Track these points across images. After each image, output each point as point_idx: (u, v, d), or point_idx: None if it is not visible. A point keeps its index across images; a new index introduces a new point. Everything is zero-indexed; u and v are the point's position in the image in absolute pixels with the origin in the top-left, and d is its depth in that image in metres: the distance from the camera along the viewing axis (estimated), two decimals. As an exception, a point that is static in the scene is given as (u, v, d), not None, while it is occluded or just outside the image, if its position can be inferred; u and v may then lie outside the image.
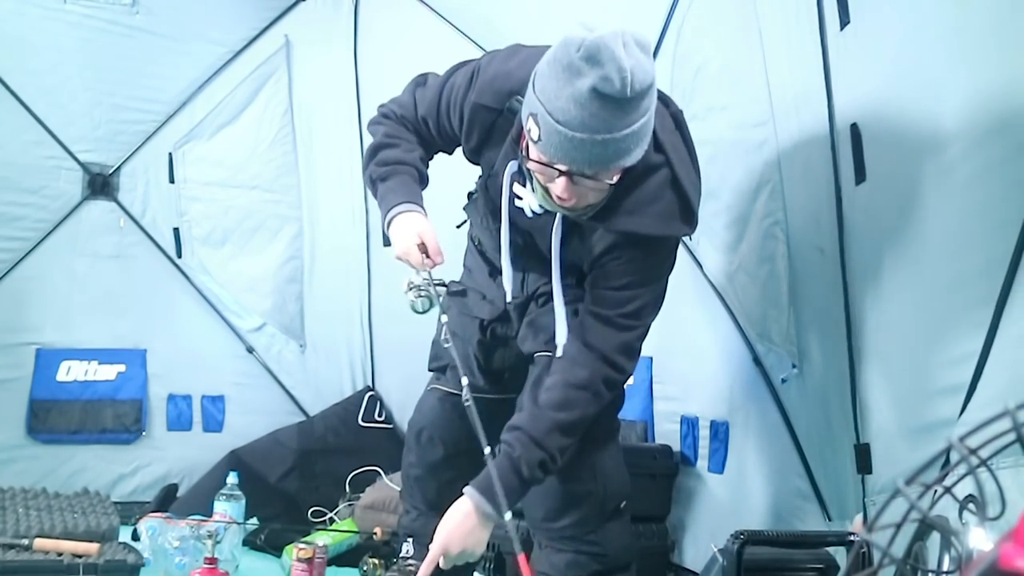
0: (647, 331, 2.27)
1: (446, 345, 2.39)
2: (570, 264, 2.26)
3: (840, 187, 2.46)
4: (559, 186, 1.98)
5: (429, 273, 2.28)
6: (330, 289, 4.45)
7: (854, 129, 2.38)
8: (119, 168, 4.16)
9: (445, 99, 2.30)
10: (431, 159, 2.44)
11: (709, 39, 2.93)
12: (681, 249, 3.14)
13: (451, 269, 2.53)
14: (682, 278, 3.18)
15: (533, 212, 2.24)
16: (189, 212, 4.27)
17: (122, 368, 4.16)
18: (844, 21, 2.38)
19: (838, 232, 2.47)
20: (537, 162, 1.97)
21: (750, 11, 2.72)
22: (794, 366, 2.73)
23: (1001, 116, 1.96)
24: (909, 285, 2.25)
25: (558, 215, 2.16)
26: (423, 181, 2.40)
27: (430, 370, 2.74)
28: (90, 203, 4.13)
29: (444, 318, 2.32)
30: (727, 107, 2.87)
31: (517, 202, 2.26)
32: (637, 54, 1.87)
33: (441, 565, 2.19)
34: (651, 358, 3.35)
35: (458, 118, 2.27)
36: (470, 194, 2.54)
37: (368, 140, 2.46)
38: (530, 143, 1.97)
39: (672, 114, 2.20)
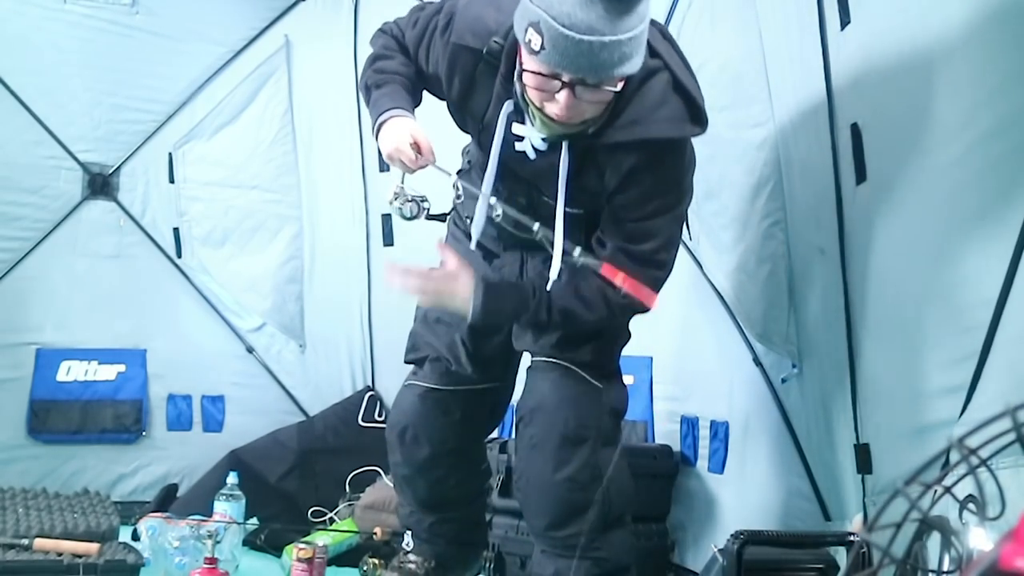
0: (670, 271, 2.26)
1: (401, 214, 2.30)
2: (581, 196, 2.18)
3: (840, 187, 2.46)
4: (560, 102, 1.95)
5: (403, 181, 2.28)
6: (330, 289, 4.45)
7: (854, 129, 2.38)
8: (119, 168, 4.17)
9: (428, 38, 2.27)
10: (421, 88, 2.37)
11: (709, 39, 2.93)
12: (681, 249, 3.16)
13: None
14: (682, 278, 3.18)
15: (536, 151, 2.15)
16: (189, 212, 4.27)
17: (122, 368, 4.16)
18: (844, 21, 2.38)
19: (838, 232, 2.47)
20: (538, 74, 1.94)
21: (750, 11, 2.72)
22: (794, 366, 2.73)
23: (1001, 116, 1.96)
24: (909, 285, 2.25)
25: (564, 150, 2.10)
26: (416, 94, 2.35)
27: (407, 362, 2.68)
28: (90, 203, 4.13)
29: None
30: (727, 107, 2.87)
31: (518, 145, 2.16)
32: None
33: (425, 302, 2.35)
34: (651, 358, 3.35)
35: (435, 62, 2.24)
36: (459, 172, 2.43)
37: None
38: (528, 57, 1.94)
39: (658, 28, 2.16)
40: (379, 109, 2.26)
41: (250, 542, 3.48)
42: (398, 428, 2.67)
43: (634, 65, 1.95)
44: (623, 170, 2.12)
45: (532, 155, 2.16)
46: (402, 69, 2.32)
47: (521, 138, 2.16)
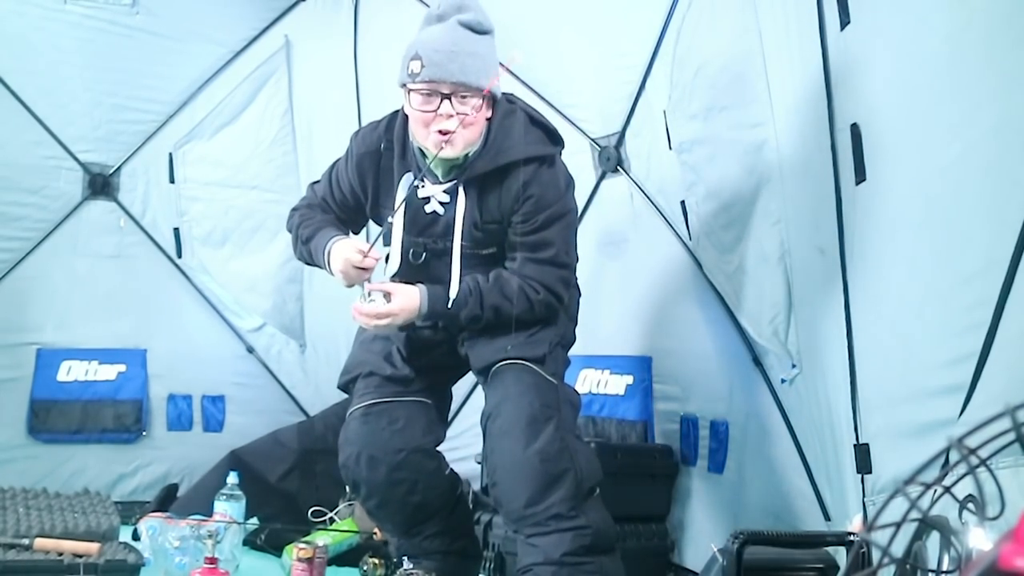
0: (573, 272, 2.66)
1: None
2: (487, 235, 2.58)
3: (840, 187, 2.46)
4: (440, 117, 2.43)
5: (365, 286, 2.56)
6: (330, 289, 4.42)
7: (854, 129, 2.38)
8: (119, 168, 4.17)
9: (335, 177, 2.73)
10: (348, 221, 2.77)
11: (709, 39, 2.93)
12: (681, 249, 3.17)
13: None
14: (682, 278, 3.19)
15: (442, 204, 2.57)
16: (189, 212, 4.27)
17: (122, 368, 4.16)
18: (844, 21, 2.38)
19: (838, 232, 2.47)
20: (422, 93, 2.44)
21: (750, 11, 2.72)
22: (794, 366, 2.73)
23: (1001, 116, 1.96)
24: (909, 285, 2.25)
25: (460, 191, 2.53)
26: (347, 225, 2.76)
27: (340, 387, 2.88)
28: (90, 203, 4.14)
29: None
30: (727, 107, 2.87)
31: (427, 207, 2.57)
32: (481, 7, 2.52)
33: (374, 321, 2.53)
34: (651, 358, 3.35)
35: (349, 181, 2.67)
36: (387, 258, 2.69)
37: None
38: (413, 86, 2.45)
39: (508, 98, 2.64)
40: (319, 249, 2.63)
41: (250, 542, 3.48)
42: (352, 457, 2.72)
43: (487, 77, 2.46)
44: (512, 192, 2.52)
45: (441, 210, 2.57)
46: (324, 219, 2.72)
47: (428, 200, 2.57)
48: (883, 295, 2.35)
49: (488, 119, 2.52)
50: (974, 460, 0.94)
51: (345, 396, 4.34)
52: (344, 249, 2.55)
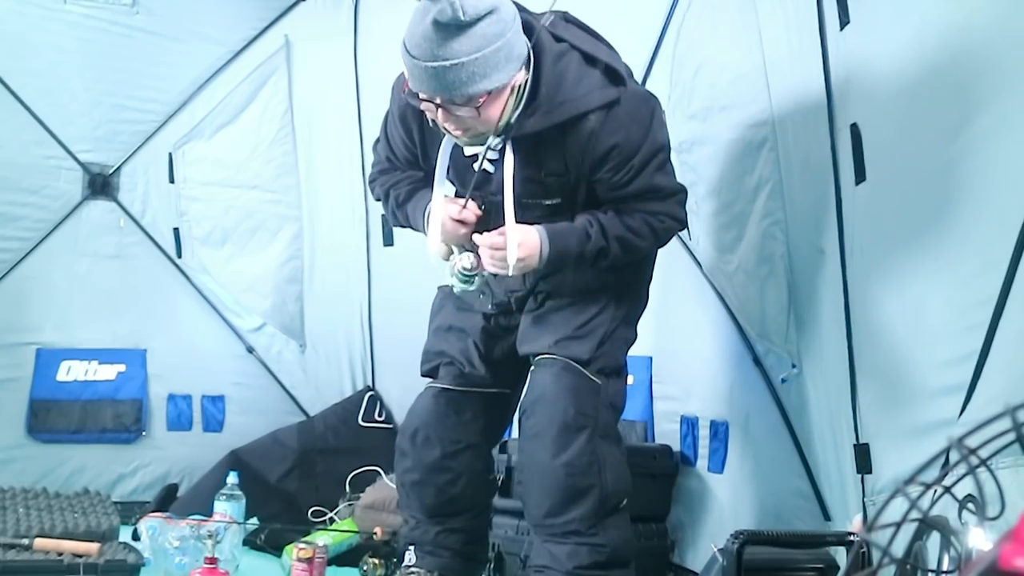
0: (686, 191, 2.47)
1: (466, 280, 2.42)
2: (549, 187, 2.37)
3: (840, 187, 2.46)
4: (440, 119, 2.20)
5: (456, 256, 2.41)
6: (330, 289, 4.45)
7: (854, 129, 2.38)
8: (119, 168, 4.17)
9: (388, 133, 2.55)
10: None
11: (709, 39, 2.93)
12: (681, 249, 3.17)
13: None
14: (682, 278, 3.19)
15: (491, 162, 2.35)
16: (189, 212, 4.27)
17: (122, 368, 4.16)
18: (844, 21, 2.39)
19: (838, 232, 2.47)
20: (418, 97, 2.17)
21: (750, 11, 2.72)
22: (794, 366, 2.74)
23: (1000, 116, 1.96)
24: (909, 285, 2.25)
25: (508, 149, 2.29)
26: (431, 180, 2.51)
27: (424, 375, 2.75)
28: (90, 203, 4.14)
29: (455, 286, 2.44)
30: (727, 107, 2.87)
31: (476, 166, 2.34)
32: None
33: (511, 269, 2.34)
34: (651, 358, 3.35)
35: (400, 136, 2.50)
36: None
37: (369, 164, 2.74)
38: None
39: (560, 14, 2.38)
40: (418, 211, 2.49)
41: (250, 542, 3.48)
42: (410, 431, 2.69)
43: (493, 82, 2.13)
44: (580, 146, 2.29)
45: (491, 168, 2.35)
46: (409, 178, 2.56)
47: (476, 158, 2.35)
48: (883, 295, 2.35)
49: (535, 66, 2.22)
50: (974, 460, 0.94)
51: (345, 397, 4.39)
52: (445, 205, 2.39)
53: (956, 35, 2.07)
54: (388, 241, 4.35)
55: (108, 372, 4.14)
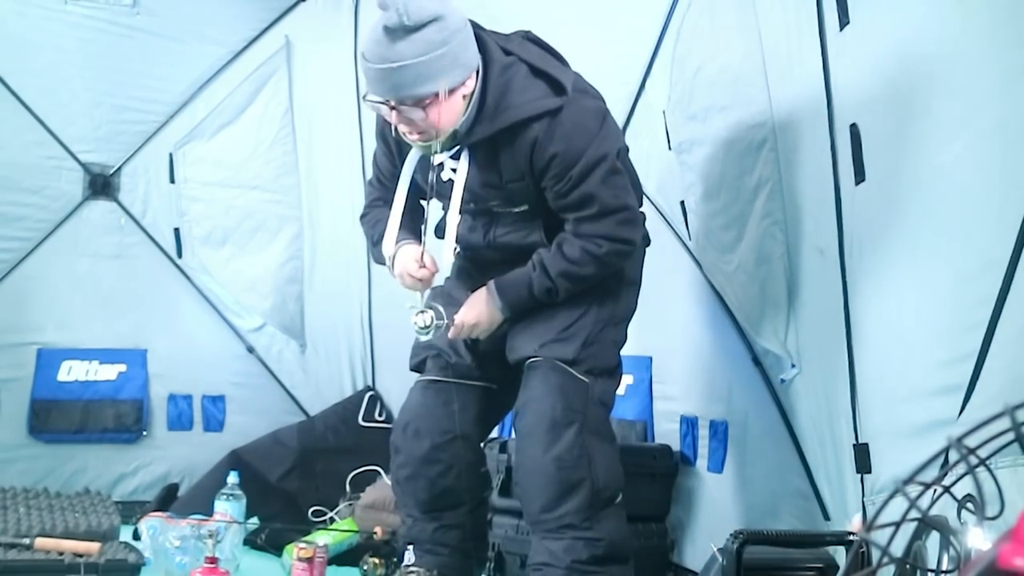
0: (634, 209, 2.53)
1: (424, 334, 2.51)
2: (513, 193, 2.49)
3: (840, 187, 2.46)
4: (394, 121, 2.33)
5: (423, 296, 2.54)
6: (330, 289, 4.45)
7: (854, 129, 2.38)
8: (120, 168, 4.17)
9: (375, 150, 2.68)
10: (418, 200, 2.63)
11: (709, 39, 2.93)
12: (681, 249, 3.17)
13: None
14: (682, 278, 3.19)
15: (453, 171, 2.46)
16: (189, 212, 4.27)
17: (123, 368, 4.17)
18: (844, 21, 2.39)
19: (838, 232, 2.47)
20: (372, 100, 2.31)
21: (750, 11, 2.72)
22: (793, 366, 2.74)
23: (1000, 116, 1.96)
24: (909, 285, 2.26)
25: (464, 158, 2.42)
26: (417, 219, 2.60)
27: (412, 369, 2.81)
28: (91, 203, 4.14)
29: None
30: (727, 107, 2.87)
31: (443, 175, 2.47)
32: None
33: (459, 336, 2.55)
34: (651, 358, 3.36)
35: (383, 153, 2.64)
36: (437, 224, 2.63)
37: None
38: None
39: (525, 36, 2.51)
40: (388, 256, 2.56)
41: (251, 541, 3.48)
42: (401, 425, 2.76)
43: (435, 85, 2.25)
44: (525, 154, 2.39)
45: (454, 176, 2.46)
46: (383, 216, 2.61)
47: (442, 167, 2.47)
48: (882, 295, 2.36)
49: (483, 77, 2.36)
50: (973, 460, 0.94)
51: (345, 396, 4.40)
52: (403, 257, 2.53)
53: (956, 35, 2.07)
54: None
55: (109, 372, 4.15)
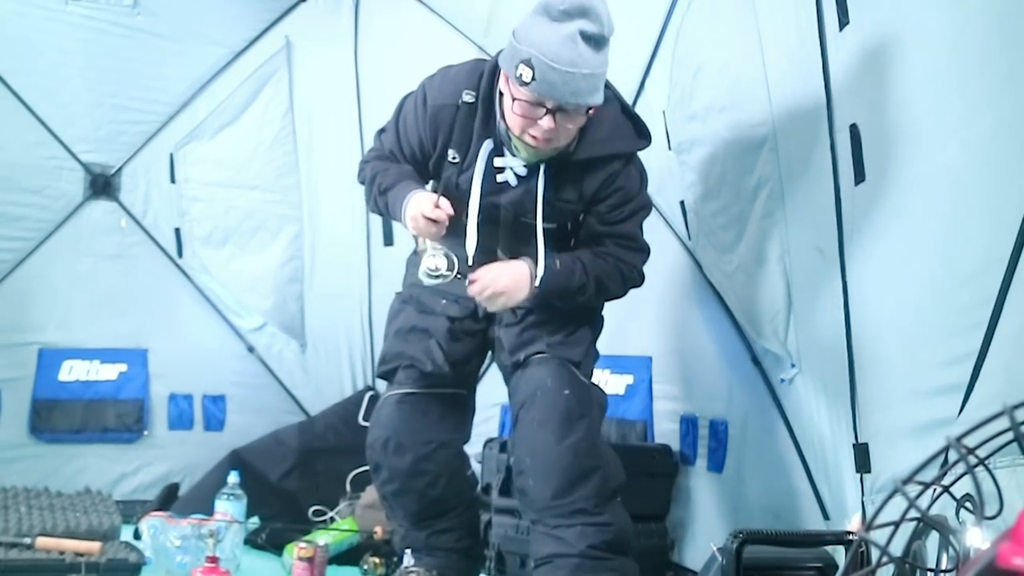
0: (648, 251, 2.68)
1: (432, 278, 2.50)
2: (555, 211, 2.54)
3: (839, 187, 2.46)
4: (542, 127, 2.34)
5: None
6: (330, 289, 4.45)
7: (853, 129, 2.38)
8: (121, 168, 4.17)
9: (403, 127, 2.61)
10: (424, 173, 2.65)
11: (708, 39, 2.93)
12: (681, 249, 3.17)
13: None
14: (682, 278, 3.20)
15: (518, 176, 2.50)
16: (190, 212, 4.27)
17: (124, 368, 4.17)
18: (843, 21, 2.39)
19: (837, 232, 2.47)
20: (527, 102, 2.32)
21: (749, 11, 2.72)
22: (793, 366, 2.74)
23: (1000, 116, 1.96)
24: (908, 285, 2.26)
25: (541, 172, 2.47)
26: (423, 177, 2.63)
27: (380, 376, 2.84)
28: (92, 203, 4.14)
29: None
30: (727, 107, 2.87)
31: (499, 177, 2.50)
32: (606, 6, 2.31)
33: (482, 298, 2.52)
34: (650, 358, 3.36)
35: (419, 133, 2.56)
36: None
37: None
38: (518, 88, 2.32)
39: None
40: (397, 205, 2.54)
41: (251, 541, 3.49)
42: (380, 441, 2.73)
43: (600, 96, 2.37)
44: (599, 181, 2.52)
45: (514, 182, 2.51)
46: (401, 169, 2.62)
47: (501, 170, 2.50)
48: (882, 295, 2.36)
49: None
50: (972, 459, 0.94)
51: (345, 396, 4.40)
52: (421, 200, 2.48)
53: (955, 35, 2.08)
54: (388, 241, 4.36)
55: (110, 372, 4.15)
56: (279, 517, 3.68)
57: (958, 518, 1.54)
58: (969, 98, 2.04)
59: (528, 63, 2.28)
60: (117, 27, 3.98)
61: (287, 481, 4.00)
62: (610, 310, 3.41)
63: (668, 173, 3.19)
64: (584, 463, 2.49)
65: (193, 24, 4.12)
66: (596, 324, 2.73)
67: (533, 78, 2.28)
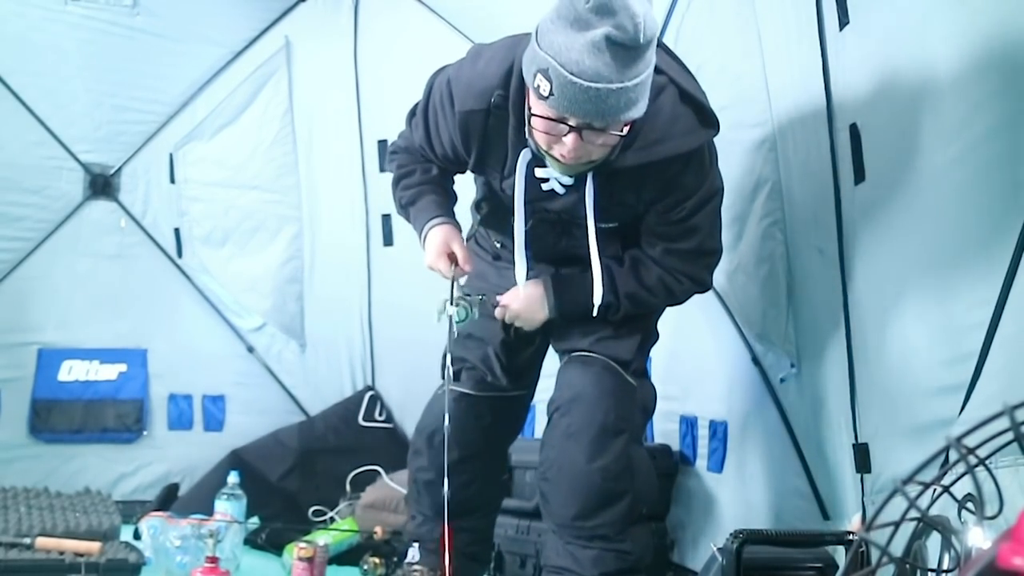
0: (720, 255, 2.42)
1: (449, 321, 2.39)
2: (613, 212, 2.29)
3: (839, 187, 2.46)
4: (566, 144, 2.01)
5: (454, 283, 2.36)
6: (330, 289, 4.46)
7: (853, 129, 2.38)
8: (120, 168, 4.18)
9: (432, 125, 2.36)
10: (452, 178, 2.55)
11: (708, 39, 2.93)
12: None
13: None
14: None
15: (564, 186, 2.24)
16: (190, 212, 4.28)
17: (123, 368, 4.17)
18: (843, 21, 2.39)
19: (837, 232, 2.47)
20: (546, 118, 2.00)
21: (749, 11, 2.72)
22: (793, 366, 2.74)
23: (1001, 116, 1.96)
24: (908, 285, 2.26)
25: (588, 181, 2.19)
26: (449, 196, 2.51)
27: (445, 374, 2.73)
28: (91, 203, 4.15)
29: (451, 311, 2.35)
30: (727, 107, 2.86)
31: (544, 185, 2.25)
32: (644, 2, 1.91)
33: (503, 316, 2.43)
34: (650, 358, 3.35)
35: (450, 135, 2.31)
36: (477, 204, 2.53)
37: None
38: (536, 101, 2.00)
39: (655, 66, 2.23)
40: (419, 224, 2.42)
41: (251, 541, 3.49)
42: (427, 432, 2.68)
43: (640, 109, 2.00)
44: (658, 184, 2.23)
45: (561, 190, 2.26)
46: (426, 177, 2.46)
47: (546, 179, 2.24)
48: (882, 295, 2.36)
49: None
50: (973, 459, 0.94)
51: (345, 396, 4.40)
52: (437, 246, 2.35)
53: (956, 35, 2.08)
54: (388, 241, 4.36)
55: (109, 372, 4.15)
56: (279, 517, 3.68)
57: (959, 518, 1.53)
58: (970, 98, 2.04)
59: (545, 73, 1.93)
60: (116, 27, 3.99)
61: (287, 481, 4.00)
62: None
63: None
64: (612, 487, 2.35)
65: (193, 24, 4.13)
66: (651, 318, 2.55)
67: (551, 92, 1.93)
